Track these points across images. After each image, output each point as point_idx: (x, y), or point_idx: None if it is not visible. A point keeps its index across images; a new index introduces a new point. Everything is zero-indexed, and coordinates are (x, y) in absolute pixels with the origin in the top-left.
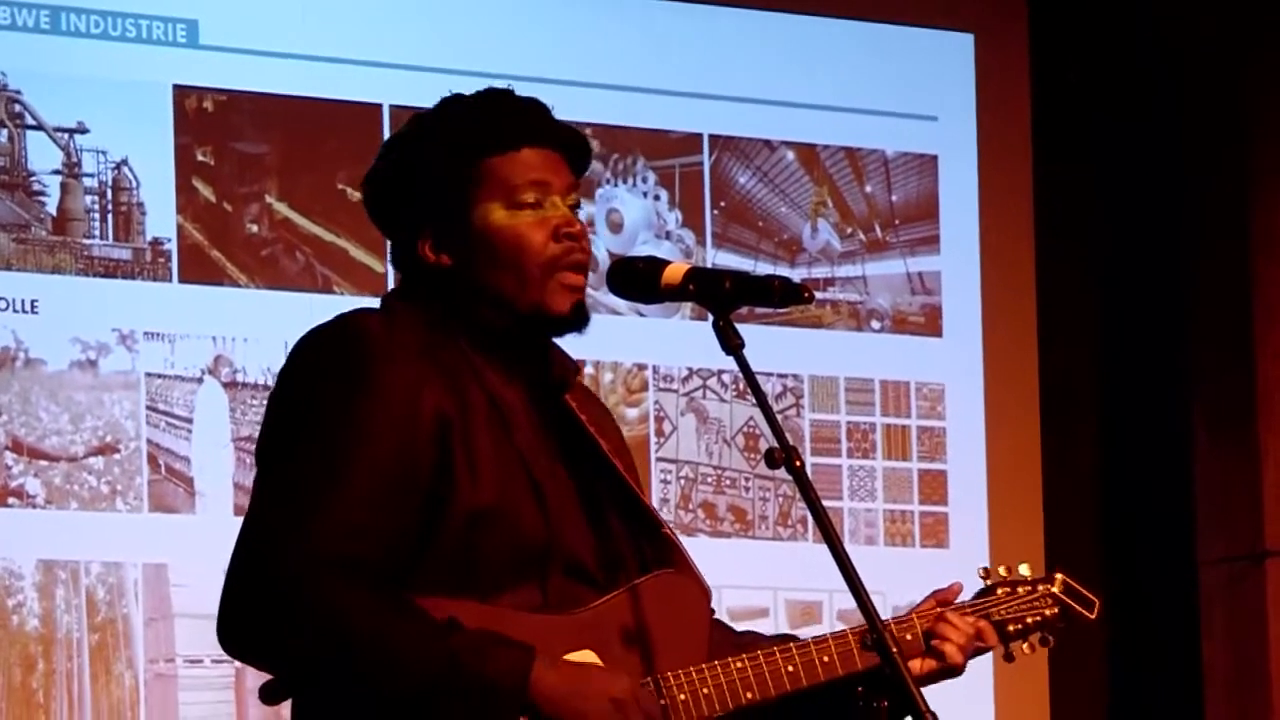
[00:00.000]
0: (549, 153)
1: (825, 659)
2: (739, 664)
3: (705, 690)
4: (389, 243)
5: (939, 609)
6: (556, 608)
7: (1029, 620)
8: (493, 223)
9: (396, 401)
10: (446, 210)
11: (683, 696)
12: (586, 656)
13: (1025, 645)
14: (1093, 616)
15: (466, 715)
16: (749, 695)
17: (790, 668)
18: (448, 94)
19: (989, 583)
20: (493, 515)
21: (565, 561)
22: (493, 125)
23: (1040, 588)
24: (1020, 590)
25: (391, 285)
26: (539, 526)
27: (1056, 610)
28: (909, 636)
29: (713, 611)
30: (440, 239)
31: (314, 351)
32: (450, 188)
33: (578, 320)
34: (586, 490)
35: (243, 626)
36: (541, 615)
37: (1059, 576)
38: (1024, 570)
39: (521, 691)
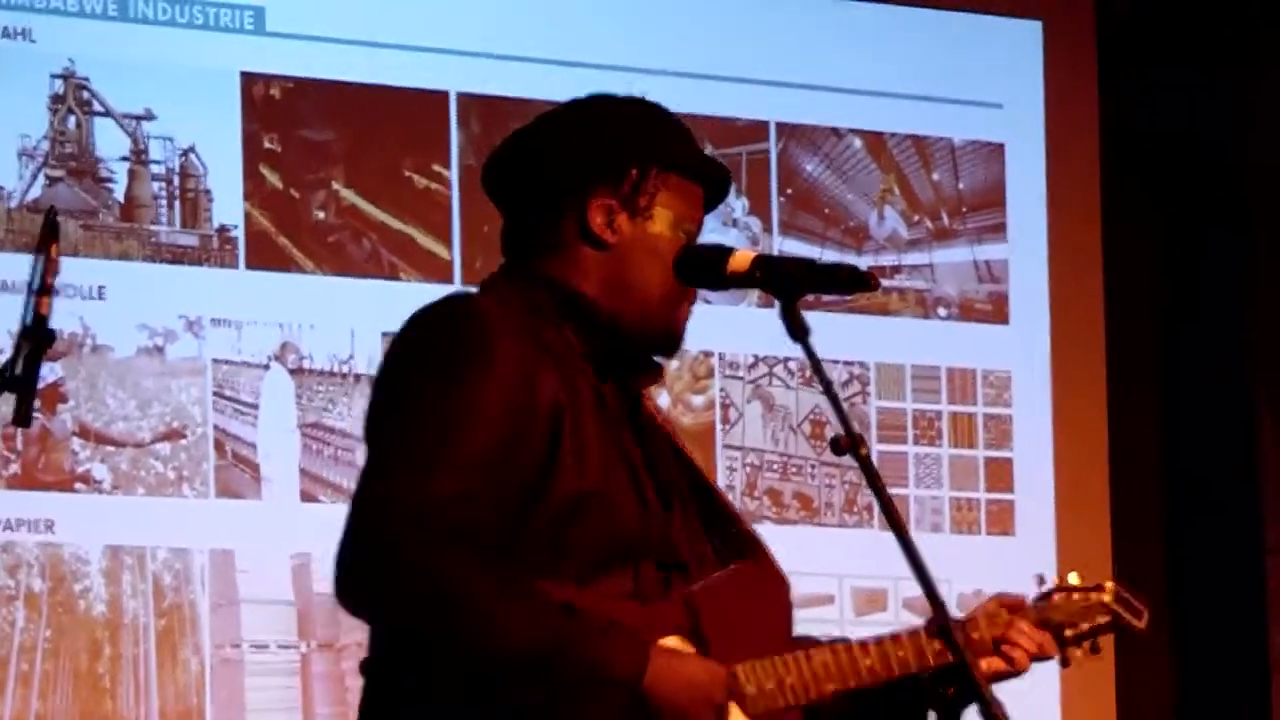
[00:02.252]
0: (703, 199)
1: (900, 654)
2: (821, 656)
3: (790, 679)
4: (523, 208)
5: (1000, 611)
6: (647, 596)
7: (1084, 626)
8: (665, 231)
9: (513, 378)
10: (636, 188)
11: (769, 685)
12: (677, 644)
13: (1079, 651)
14: (1142, 625)
15: (579, 701)
16: (831, 686)
17: (868, 662)
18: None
19: (1044, 588)
20: (594, 502)
21: (657, 552)
22: (692, 148)
23: (1092, 595)
24: (1075, 597)
25: (459, 271)
26: (636, 516)
27: (1109, 618)
28: (976, 637)
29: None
30: (613, 211)
31: (428, 327)
32: (651, 173)
33: (680, 344)
34: (673, 485)
35: (363, 583)
36: (632, 602)
37: (1109, 585)
38: (1073, 578)
39: (638, 679)
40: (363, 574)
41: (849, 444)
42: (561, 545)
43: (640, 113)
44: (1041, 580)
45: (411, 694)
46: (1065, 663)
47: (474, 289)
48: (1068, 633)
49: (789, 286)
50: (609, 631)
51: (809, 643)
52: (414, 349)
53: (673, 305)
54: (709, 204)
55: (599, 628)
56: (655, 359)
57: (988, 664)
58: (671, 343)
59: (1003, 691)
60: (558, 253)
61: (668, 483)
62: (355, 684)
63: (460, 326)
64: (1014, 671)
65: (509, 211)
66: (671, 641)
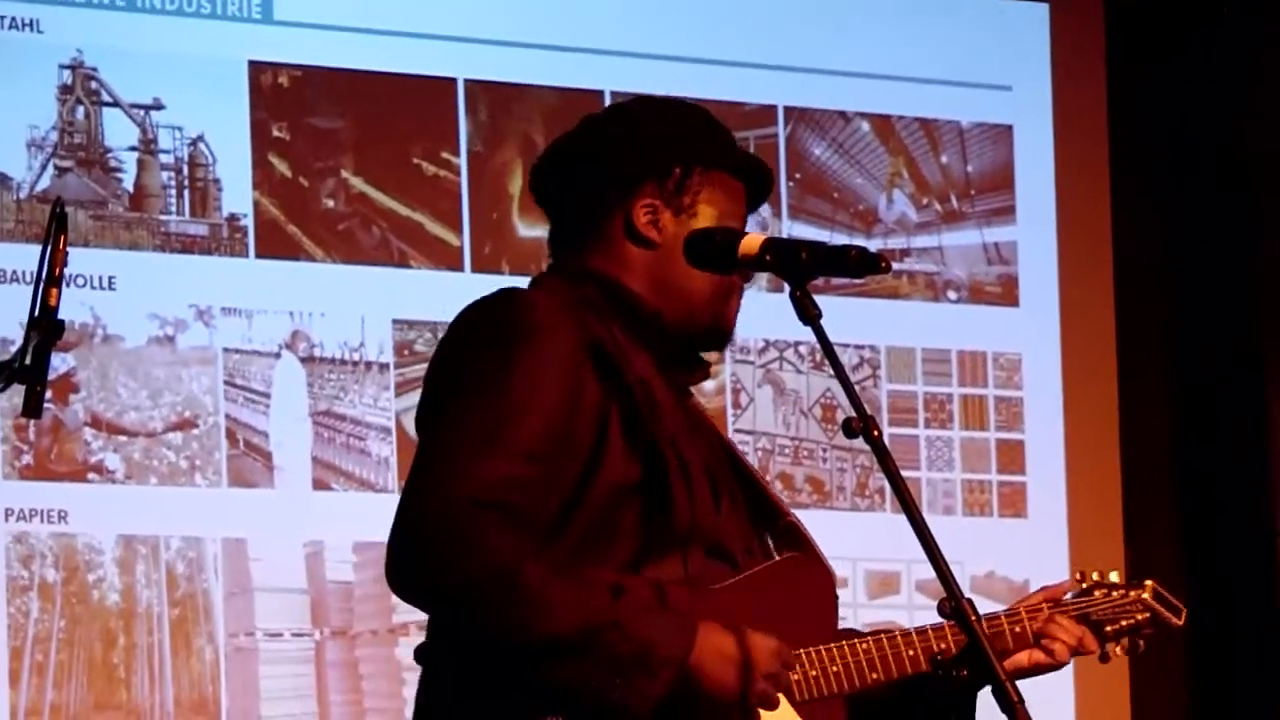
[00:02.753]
0: (745, 196)
1: (942, 645)
2: (864, 646)
3: (835, 668)
4: (568, 207)
5: (1045, 605)
6: (695, 584)
7: (1123, 623)
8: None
9: (564, 368)
10: (679, 187)
11: (814, 673)
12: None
13: (1118, 647)
14: (1180, 623)
15: (629, 679)
16: (874, 675)
17: (911, 652)
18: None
19: (1085, 585)
20: (641, 491)
21: (705, 540)
22: (734, 146)
23: (1131, 593)
24: (1115, 594)
25: (469, 258)
26: (684, 505)
27: (1147, 615)
28: (1018, 629)
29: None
30: (657, 210)
31: (482, 317)
32: (693, 172)
33: (730, 339)
34: (720, 476)
35: (410, 568)
36: (684, 589)
37: (1149, 584)
38: (1114, 576)
39: (684, 656)
40: (416, 558)
41: (861, 426)
42: (611, 533)
43: (683, 113)
44: (1082, 577)
45: (466, 678)
46: (1105, 658)
47: (522, 284)
48: (1108, 629)
49: (799, 269)
50: (656, 611)
51: (853, 635)
52: (466, 340)
53: (720, 300)
54: (752, 202)
55: (647, 607)
56: (703, 354)
57: (1029, 656)
58: (719, 338)
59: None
60: (605, 251)
61: (715, 475)
62: (369, 671)
63: (512, 318)
64: (1053, 665)
65: (558, 212)
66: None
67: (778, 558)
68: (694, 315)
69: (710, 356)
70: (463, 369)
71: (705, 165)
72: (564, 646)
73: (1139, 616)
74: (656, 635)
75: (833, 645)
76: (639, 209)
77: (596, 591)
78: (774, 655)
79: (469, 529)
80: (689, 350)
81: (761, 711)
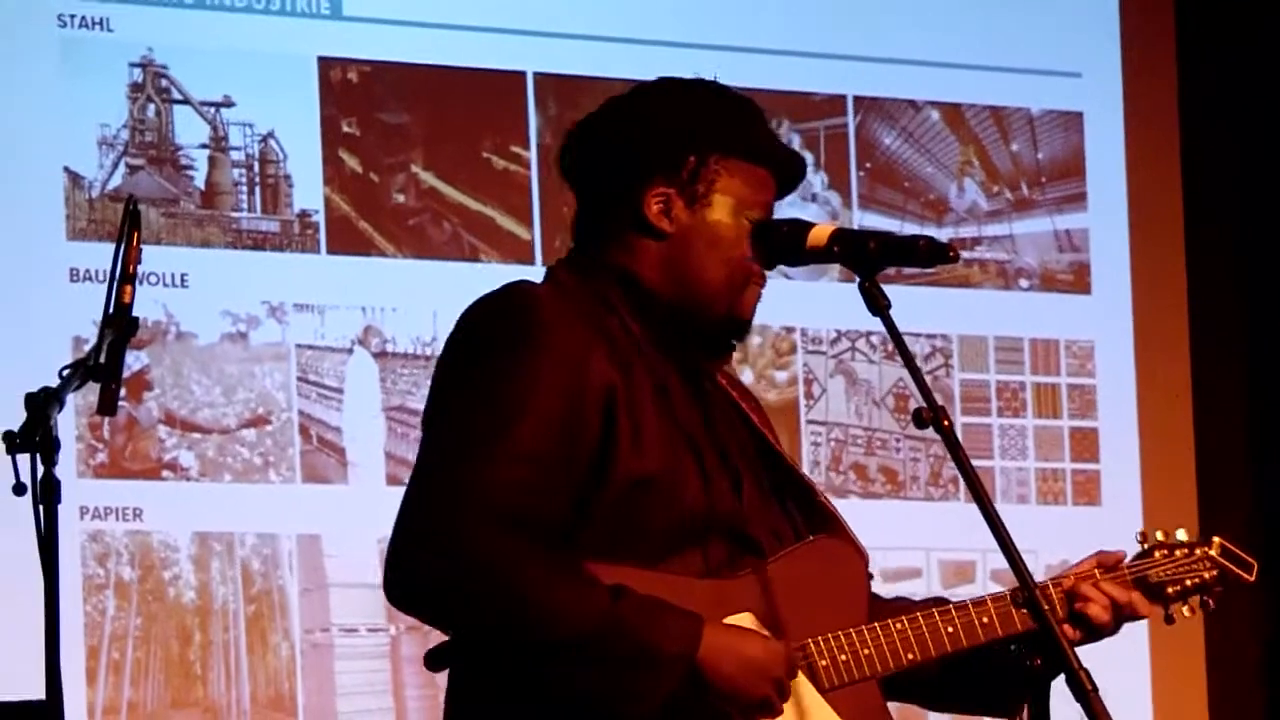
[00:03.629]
0: (774, 181)
1: (985, 620)
2: (899, 625)
3: (866, 651)
4: (590, 196)
5: (1094, 571)
6: (717, 574)
7: (1188, 583)
8: (725, 217)
9: (566, 365)
10: (691, 176)
11: (844, 657)
12: (745, 620)
13: (1185, 608)
14: (1251, 579)
15: (634, 676)
16: (910, 656)
17: (950, 629)
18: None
19: (1146, 546)
20: (656, 484)
21: (726, 529)
22: (754, 132)
23: (1198, 551)
24: (1178, 554)
25: (540, 252)
26: (700, 495)
27: (1215, 573)
28: (1053, 596)
29: (870, 576)
30: (669, 200)
31: (483, 316)
32: (705, 160)
33: (749, 328)
34: (744, 461)
35: (410, 578)
36: (703, 580)
37: (1217, 540)
38: (1181, 534)
39: (689, 656)
40: (412, 573)
41: (931, 416)
42: (628, 528)
43: (703, 97)
44: (1145, 538)
45: (476, 684)
46: (1169, 619)
47: (536, 276)
48: (1170, 590)
49: (868, 260)
50: (659, 611)
51: (903, 607)
52: (469, 341)
53: (736, 291)
54: (784, 187)
55: (649, 607)
56: (723, 342)
57: (1070, 628)
58: (736, 328)
59: (1092, 662)
60: (619, 240)
61: (739, 461)
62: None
63: (513, 316)
64: (1098, 631)
65: (578, 198)
66: (743, 619)
67: (805, 542)
68: (709, 305)
69: (782, 348)
70: (465, 370)
71: (723, 152)
72: (565, 653)
73: (1206, 575)
74: (660, 634)
75: (864, 628)
76: (650, 199)
77: (596, 594)
78: (782, 660)
79: (466, 542)
80: (706, 340)
81: (789, 702)
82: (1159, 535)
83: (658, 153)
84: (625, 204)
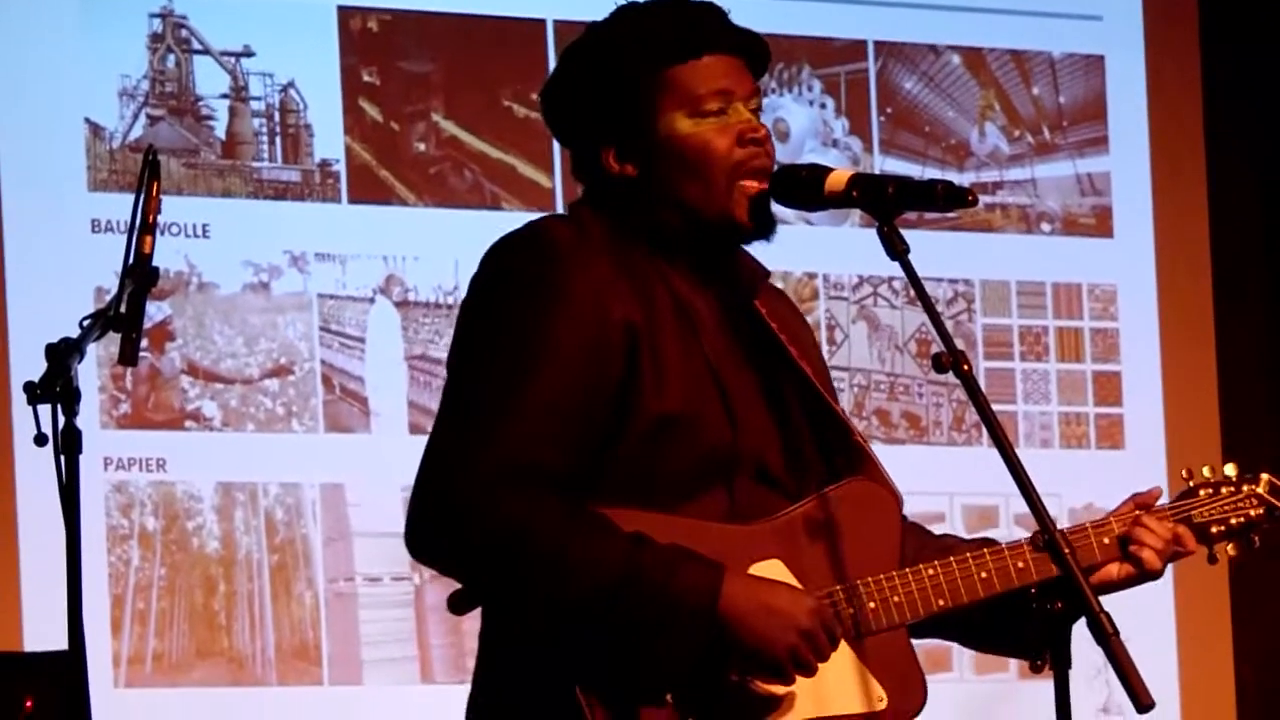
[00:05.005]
0: (730, 59)
1: (1020, 564)
2: (930, 571)
3: (896, 598)
4: (571, 153)
5: (1137, 513)
6: (745, 515)
7: (1233, 521)
8: (678, 131)
9: (585, 310)
10: (629, 120)
11: (872, 604)
12: (774, 567)
13: (1230, 546)
14: None
15: (654, 631)
16: (940, 602)
17: (984, 574)
18: (622, 3)
19: (1191, 484)
20: (679, 422)
21: (754, 467)
22: (674, 33)
23: (1245, 488)
24: (1224, 491)
25: (560, 199)
26: (725, 432)
27: (1262, 510)
28: (1105, 540)
29: (904, 518)
30: (624, 149)
31: (504, 259)
32: (633, 97)
33: (762, 228)
34: (775, 396)
35: (430, 533)
36: (730, 525)
37: (1265, 476)
38: (1229, 470)
39: (710, 609)
40: (433, 529)
41: (950, 361)
42: (651, 469)
43: (621, 28)
44: (1190, 474)
45: (508, 626)
46: (1213, 559)
47: (561, 213)
48: (1214, 529)
49: (886, 205)
50: (678, 560)
51: (955, 545)
52: (490, 284)
53: (722, 194)
54: (752, 63)
55: (668, 557)
56: (757, 261)
57: (1119, 568)
58: (732, 230)
59: (1114, 608)
60: (604, 185)
61: (770, 396)
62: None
63: (533, 258)
64: (1147, 573)
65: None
66: (768, 566)
67: (840, 481)
68: (700, 217)
69: (803, 294)
70: (486, 317)
71: (652, 68)
72: (584, 606)
73: (1253, 513)
74: (677, 586)
75: (894, 574)
76: (607, 157)
77: (615, 545)
78: (809, 611)
79: (484, 498)
80: (724, 248)
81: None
82: (1206, 472)
83: (590, 115)
84: (593, 162)
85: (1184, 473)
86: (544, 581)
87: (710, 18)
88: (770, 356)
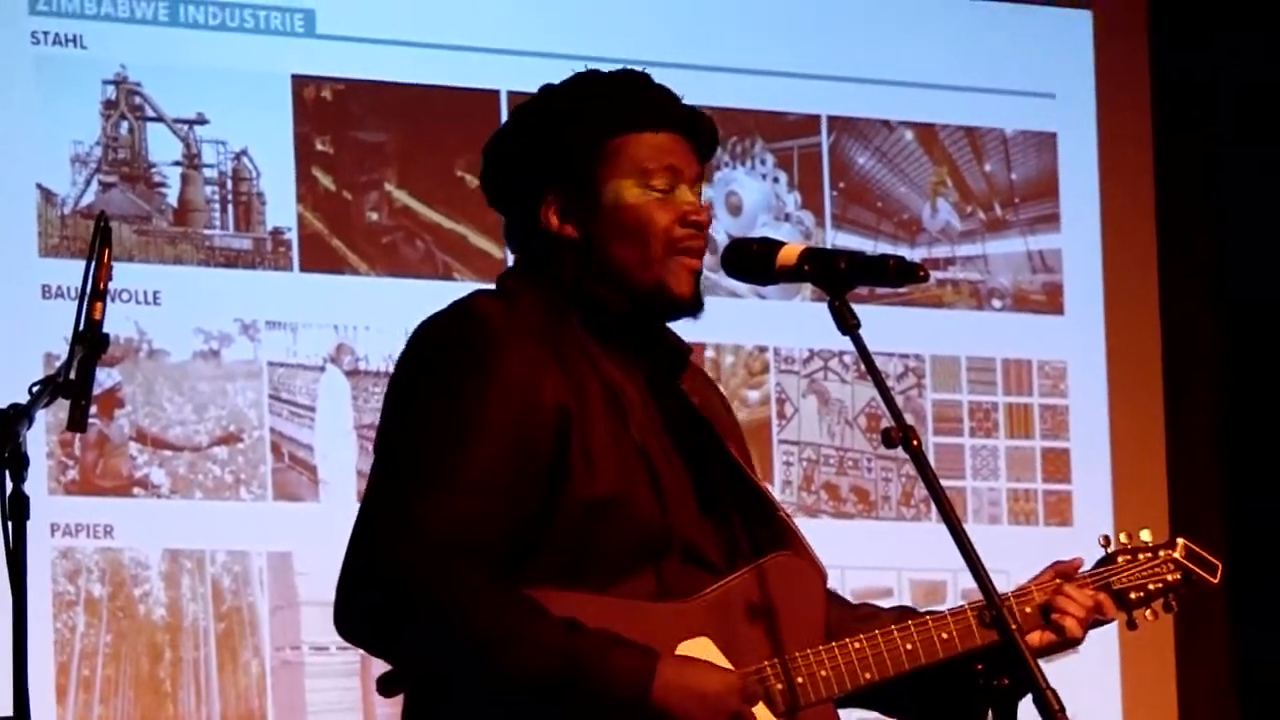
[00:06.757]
0: (681, 140)
1: (944, 636)
2: (857, 644)
3: (824, 672)
4: (504, 219)
5: (1058, 581)
6: (673, 594)
7: (1151, 587)
8: (624, 198)
9: (515, 388)
10: (575, 179)
11: (800, 679)
12: (703, 645)
13: (1148, 612)
14: (1216, 581)
15: (589, 716)
16: (867, 675)
17: (909, 646)
18: (583, 70)
19: (1109, 551)
20: (610, 505)
21: (682, 548)
22: (633, 104)
23: (1162, 553)
24: (1141, 557)
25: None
26: (655, 515)
27: (1179, 575)
28: (1027, 609)
29: (829, 591)
30: (566, 208)
31: (433, 338)
32: (583, 158)
33: (695, 303)
34: (701, 476)
35: (359, 612)
36: (658, 603)
37: (1180, 541)
38: (1145, 536)
39: (643, 698)
40: (362, 610)
41: (900, 436)
42: (582, 550)
43: (577, 94)
44: (1107, 541)
45: (431, 712)
46: (1132, 625)
47: (489, 288)
48: (1133, 595)
49: (838, 279)
50: (612, 648)
51: (868, 614)
52: (419, 362)
53: (658, 264)
54: (700, 147)
55: (601, 645)
56: (681, 340)
57: (1040, 636)
58: (668, 303)
59: (1058, 679)
60: (540, 251)
61: (695, 476)
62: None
63: (463, 338)
64: (1068, 641)
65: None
66: (697, 644)
67: (765, 557)
68: (636, 287)
69: (754, 367)
70: (417, 395)
71: (606, 135)
72: (522, 698)
73: (1170, 578)
74: (613, 675)
75: (820, 648)
76: (547, 214)
77: (550, 634)
78: (738, 691)
79: (413, 579)
80: (662, 320)
81: None
82: (1123, 539)
83: (539, 168)
84: (532, 221)
85: (1101, 539)
86: (475, 667)
87: (669, 98)
88: (695, 436)
